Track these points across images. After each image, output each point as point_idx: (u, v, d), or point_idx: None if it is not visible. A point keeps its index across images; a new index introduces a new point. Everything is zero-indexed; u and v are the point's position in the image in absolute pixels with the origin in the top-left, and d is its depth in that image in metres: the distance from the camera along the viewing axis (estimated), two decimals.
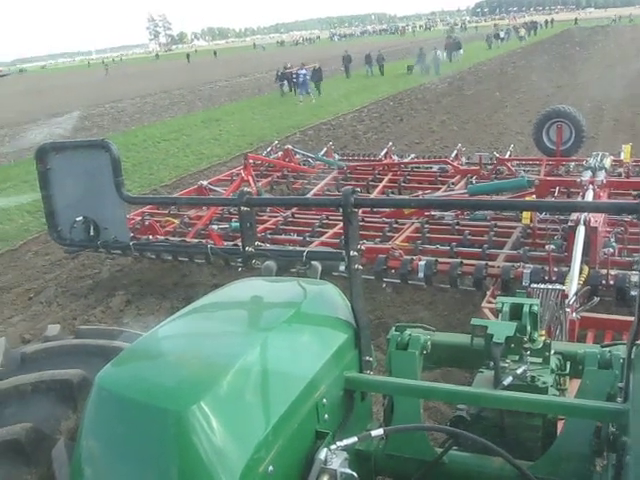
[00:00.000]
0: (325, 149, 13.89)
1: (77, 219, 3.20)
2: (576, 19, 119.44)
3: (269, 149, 14.49)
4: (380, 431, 2.28)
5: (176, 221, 10.34)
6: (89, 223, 3.22)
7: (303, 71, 35.33)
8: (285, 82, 38.16)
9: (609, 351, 2.61)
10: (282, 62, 40.60)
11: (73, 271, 10.86)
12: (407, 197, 9.30)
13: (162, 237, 9.37)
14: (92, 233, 3.24)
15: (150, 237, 9.23)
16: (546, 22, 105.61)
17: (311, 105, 32.36)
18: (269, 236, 9.19)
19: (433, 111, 26.68)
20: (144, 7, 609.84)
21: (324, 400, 2.32)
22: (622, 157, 10.76)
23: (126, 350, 2.31)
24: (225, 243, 8.78)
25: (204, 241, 8.99)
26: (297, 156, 13.81)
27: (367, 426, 2.74)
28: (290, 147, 13.89)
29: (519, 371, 2.57)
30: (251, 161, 12.46)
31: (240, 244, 2.83)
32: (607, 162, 9.38)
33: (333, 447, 2.08)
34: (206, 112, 33.50)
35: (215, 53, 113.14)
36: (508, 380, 2.52)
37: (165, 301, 9.03)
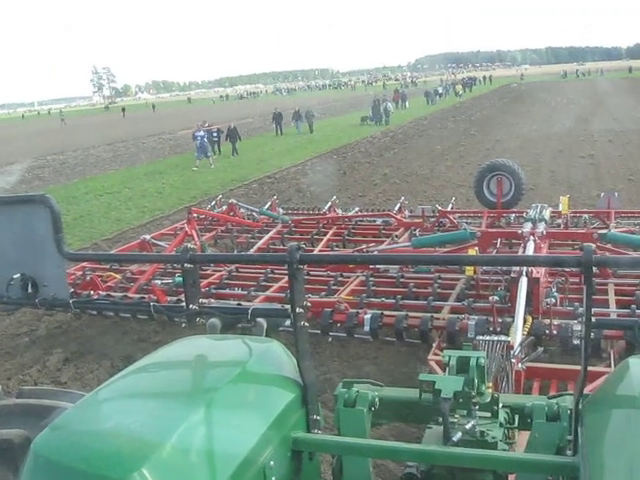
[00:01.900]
0: (269, 203, 13.90)
1: (14, 276, 3.11)
2: (522, 75, 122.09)
3: (213, 203, 14.47)
4: None
5: (118, 276, 10.14)
6: (27, 280, 3.14)
7: (201, 133, 31.06)
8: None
9: (556, 403, 2.61)
10: (213, 117, 39.25)
11: (8, 328, 10.41)
12: (353, 253, 9.32)
13: (104, 293, 9.17)
14: (30, 290, 3.15)
15: (91, 292, 9.04)
16: (484, 78, 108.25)
17: (210, 170, 28.78)
18: (213, 291, 9.10)
19: (375, 164, 26.97)
20: (88, 59, 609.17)
21: (271, 462, 2.25)
22: (560, 208, 11.01)
23: (65, 413, 2.21)
24: (169, 298, 8.64)
25: (147, 297, 8.82)
26: (241, 210, 13.80)
27: None
28: (234, 201, 13.89)
29: (468, 426, 2.55)
30: (195, 215, 12.39)
31: (184, 300, 2.78)
32: (546, 213, 9.60)
33: None
34: (149, 165, 33.08)
35: (154, 107, 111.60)
36: (457, 436, 2.50)
37: (105, 360, 8.71)
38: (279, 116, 44.01)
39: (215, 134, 33.61)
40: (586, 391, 2.39)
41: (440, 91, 72.20)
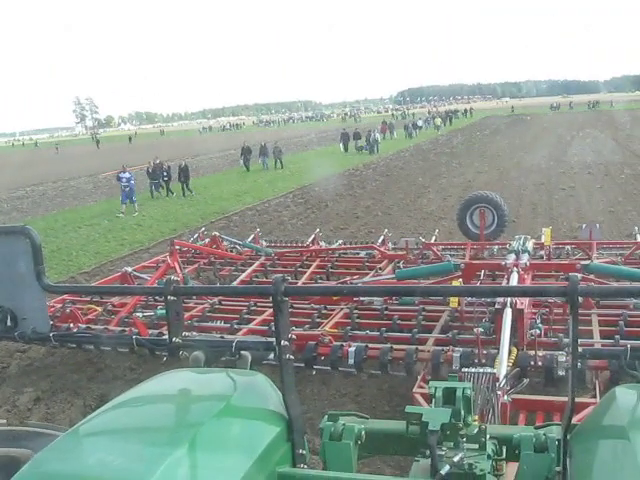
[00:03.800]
0: (252, 236, 13.89)
1: None
2: (512, 107, 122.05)
3: (196, 235, 14.42)
4: None
5: (99, 308, 10.02)
6: (6, 313, 3.09)
7: (126, 174, 26.96)
8: (158, 180, 31.48)
9: (544, 433, 2.59)
10: (188, 150, 37.59)
11: None
12: (338, 285, 9.29)
13: (84, 325, 9.06)
14: (9, 323, 3.10)
15: (71, 325, 8.93)
16: (465, 111, 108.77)
17: (132, 218, 25.35)
18: (196, 324, 9.01)
19: (358, 197, 27.04)
20: (70, 90, 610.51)
21: None
22: (543, 240, 11.06)
23: (44, 450, 2.14)
24: (150, 331, 8.56)
25: (128, 330, 8.72)
26: (224, 243, 13.76)
27: None
28: (217, 234, 13.86)
29: (456, 459, 2.50)
30: (177, 247, 12.33)
31: (166, 333, 2.74)
32: (529, 245, 9.64)
33: None
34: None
35: (130, 139, 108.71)
36: (445, 469, 2.45)
37: (77, 399, 8.54)
38: (247, 150, 42.31)
39: (165, 172, 31.25)
40: (573, 422, 2.37)
41: (420, 124, 72.70)
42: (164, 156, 37.93)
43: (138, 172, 34.89)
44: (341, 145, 51.81)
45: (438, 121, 75.19)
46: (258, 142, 45.45)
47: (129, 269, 11.49)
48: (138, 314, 9.34)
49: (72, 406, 8.34)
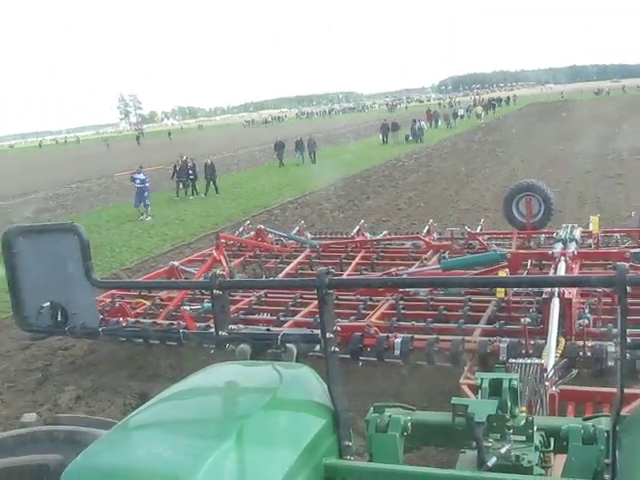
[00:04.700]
0: (297, 228, 13.93)
1: (44, 304, 3.12)
2: (562, 93, 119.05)
3: (241, 229, 14.50)
4: None
5: (147, 302, 10.16)
6: (57, 308, 3.15)
7: (141, 175, 25.77)
8: (185, 179, 30.27)
9: (592, 425, 2.56)
10: (227, 144, 36.28)
11: (22, 364, 10.31)
12: (383, 277, 9.26)
13: (132, 320, 9.20)
14: (60, 318, 3.16)
15: (120, 319, 9.06)
16: (508, 99, 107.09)
17: (144, 225, 23.79)
18: (242, 316, 9.08)
19: (400, 188, 26.83)
20: (115, 86, 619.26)
21: None
22: (591, 228, 10.87)
23: (95, 443, 2.19)
24: (198, 324, 8.64)
25: (176, 323, 8.83)
26: (270, 235, 13.81)
27: None
28: (262, 227, 13.92)
29: (503, 450, 2.49)
30: (223, 241, 12.43)
31: (213, 327, 2.77)
32: (577, 233, 9.49)
33: None
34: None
35: (169, 134, 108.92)
36: (492, 461, 2.44)
37: (118, 397, 8.59)
38: (281, 145, 41.19)
39: (191, 171, 30.03)
40: (622, 413, 2.33)
41: (461, 113, 72.04)
42: (202, 151, 37.62)
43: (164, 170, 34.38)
44: (380, 136, 51.94)
45: (479, 109, 74.18)
46: (298, 135, 44.90)
47: (176, 263, 11.62)
48: (186, 307, 9.44)
49: (112, 405, 8.39)
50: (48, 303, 3.12)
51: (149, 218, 24.76)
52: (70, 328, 3.19)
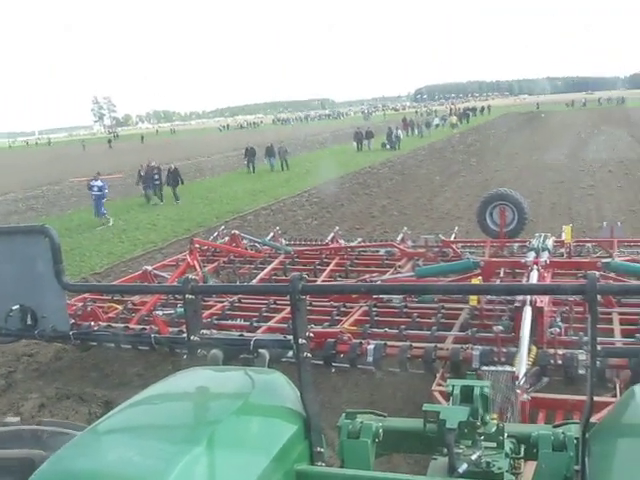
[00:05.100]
0: (272, 234, 13.90)
1: (13, 307, 3.08)
2: (537, 104, 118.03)
3: (215, 234, 14.40)
4: None
5: (119, 307, 10.09)
6: (26, 311, 3.11)
7: (98, 182, 24.78)
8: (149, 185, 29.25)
9: (562, 432, 2.57)
10: (200, 149, 35.63)
11: None
12: (356, 283, 9.29)
13: (104, 324, 9.11)
14: (29, 322, 3.12)
15: (92, 323, 8.98)
16: (482, 108, 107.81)
17: (112, 233, 22.71)
18: (215, 322, 9.04)
19: (374, 196, 26.82)
20: (89, 88, 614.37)
21: None
22: (563, 237, 10.98)
23: (65, 447, 2.17)
24: (170, 329, 8.60)
25: (148, 328, 8.77)
26: (244, 241, 13.78)
27: None
28: (237, 232, 13.87)
29: (474, 457, 2.50)
30: (197, 246, 12.37)
31: (185, 331, 2.75)
32: (549, 243, 9.58)
33: None
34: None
35: (142, 138, 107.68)
36: (463, 467, 2.45)
37: (83, 406, 8.40)
38: (251, 152, 40.23)
39: (156, 176, 28.94)
40: (592, 420, 2.35)
41: (436, 122, 72.50)
42: (176, 156, 37.08)
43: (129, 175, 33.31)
44: (355, 144, 52.12)
45: (454, 119, 74.54)
46: (271, 141, 44.45)
47: (149, 268, 11.54)
48: (158, 312, 9.39)
49: (77, 413, 8.22)
50: (17, 306, 3.08)
51: (111, 222, 24.22)
52: (40, 332, 3.16)
